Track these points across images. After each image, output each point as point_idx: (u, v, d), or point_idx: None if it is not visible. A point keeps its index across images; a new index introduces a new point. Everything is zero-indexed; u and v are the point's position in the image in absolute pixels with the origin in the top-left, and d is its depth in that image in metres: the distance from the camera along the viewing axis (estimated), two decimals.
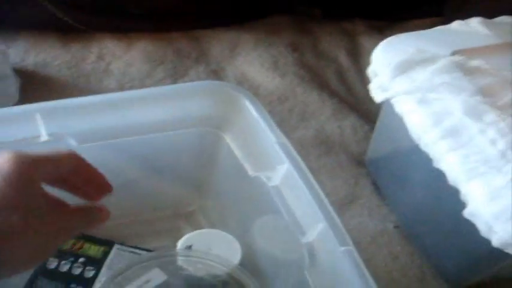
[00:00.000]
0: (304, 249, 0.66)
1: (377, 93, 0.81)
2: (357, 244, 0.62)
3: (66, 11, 1.08)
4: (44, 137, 0.71)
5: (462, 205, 0.69)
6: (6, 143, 0.71)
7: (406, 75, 0.79)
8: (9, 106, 0.91)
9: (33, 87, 1.01)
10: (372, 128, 0.98)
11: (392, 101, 0.79)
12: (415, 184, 0.85)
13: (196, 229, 0.79)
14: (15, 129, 0.71)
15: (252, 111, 0.75)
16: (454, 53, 0.81)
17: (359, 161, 0.98)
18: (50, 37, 1.10)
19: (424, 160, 0.74)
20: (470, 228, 0.68)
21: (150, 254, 0.75)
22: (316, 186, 0.67)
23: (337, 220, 0.64)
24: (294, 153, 0.71)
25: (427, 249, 0.87)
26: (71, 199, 0.60)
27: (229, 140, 0.78)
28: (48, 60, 1.06)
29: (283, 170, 0.70)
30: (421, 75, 0.78)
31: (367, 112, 1.06)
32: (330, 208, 0.65)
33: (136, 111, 0.76)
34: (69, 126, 0.73)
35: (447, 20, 0.90)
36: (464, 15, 0.91)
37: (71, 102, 0.74)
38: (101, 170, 0.78)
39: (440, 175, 0.72)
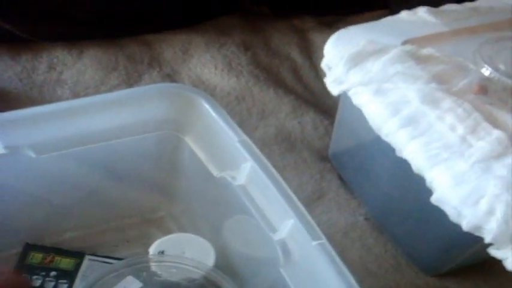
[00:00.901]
0: (277, 246, 0.66)
1: (333, 86, 0.82)
2: (329, 239, 0.62)
3: (13, 22, 1.06)
4: (1, 150, 0.70)
5: (429, 192, 0.70)
6: None
7: (360, 67, 0.80)
8: None
9: None
10: (332, 123, 0.99)
11: (349, 93, 0.80)
12: (380, 175, 0.86)
13: (167, 234, 0.79)
14: None
15: (210, 112, 0.75)
16: (404, 43, 0.82)
17: (323, 156, 0.99)
18: None
19: (386, 150, 0.75)
20: (439, 214, 0.69)
21: (122, 261, 0.73)
22: (282, 182, 0.67)
23: (307, 215, 0.64)
24: (257, 150, 0.71)
25: (399, 239, 0.88)
26: None
27: (190, 142, 0.78)
28: None
29: (247, 169, 0.70)
30: (375, 66, 0.79)
31: (326, 107, 1.07)
32: (299, 203, 0.65)
33: (94, 118, 0.75)
34: (26, 138, 0.72)
35: (394, 12, 0.91)
36: (409, 6, 0.92)
37: (26, 113, 0.73)
38: (64, 180, 0.77)
39: (404, 164, 0.73)
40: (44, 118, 0.73)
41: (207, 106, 0.75)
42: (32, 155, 0.72)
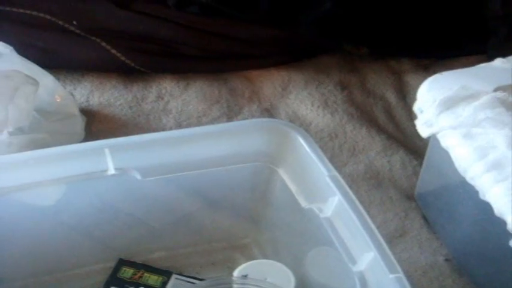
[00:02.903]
0: (356, 277, 0.68)
1: (423, 128, 0.84)
2: (408, 277, 0.64)
3: (128, 55, 1.15)
4: (112, 171, 0.77)
5: (510, 236, 0.71)
6: (76, 177, 0.77)
7: (451, 111, 0.82)
8: (76, 143, 0.98)
9: (97, 125, 1.08)
10: (421, 163, 1.00)
11: (438, 136, 0.82)
12: (464, 217, 0.87)
13: (250, 260, 0.82)
14: (84, 163, 0.77)
15: (304, 146, 0.78)
16: (496, 89, 0.84)
17: (408, 196, 1.01)
18: (112, 78, 1.16)
19: (471, 193, 0.77)
20: None
21: (206, 281, 0.78)
22: (367, 216, 0.70)
23: (387, 249, 0.66)
24: (345, 185, 0.74)
25: (478, 282, 0.88)
26: None
27: (282, 174, 0.82)
28: (111, 100, 1.12)
29: (334, 202, 0.73)
30: (465, 111, 0.81)
31: (416, 147, 1.08)
32: (380, 237, 0.68)
33: (196, 147, 0.80)
34: (134, 161, 0.78)
35: (490, 58, 0.93)
36: (506, 52, 0.94)
37: (137, 139, 0.80)
38: (161, 203, 0.84)
39: (487, 208, 0.74)
40: (151, 144, 0.79)
41: (301, 141, 0.79)
42: (138, 177, 0.78)
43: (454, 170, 0.79)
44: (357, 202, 0.72)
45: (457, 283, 0.88)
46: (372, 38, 1.27)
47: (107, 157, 0.76)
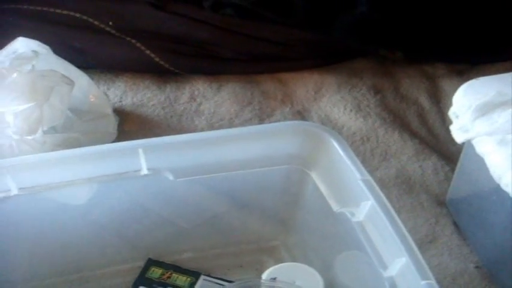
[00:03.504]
0: (386, 283, 0.67)
1: (458, 134, 0.84)
2: (437, 283, 0.63)
3: (162, 55, 1.16)
4: (144, 171, 0.78)
5: None
6: (109, 176, 0.78)
7: (487, 117, 0.81)
8: (108, 142, 1.00)
9: (130, 125, 1.09)
10: (453, 169, 1.00)
11: (473, 142, 0.81)
12: (496, 224, 0.86)
13: (279, 263, 0.82)
14: (118, 163, 0.78)
15: (337, 149, 0.78)
16: None
17: (440, 201, 1.00)
18: (146, 79, 1.18)
19: (504, 200, 0.76)
20: None
21: (235, 283, 0.78)
22: (399, 222, 0.69)
23: (419, 255, 0.66)
24: (378, 190, 0.73)
25: None
26: None
27: (315, 177, 0.82)
28: (144, 101, 1.13)
29: (367, 207, 0.73)
30: (501, 117, 0.80)
31: (448, 153, 1.08)
32: (412, 243, 0.67)
33: (228, 149, 0.81)
34: (167, 162, 0.78)
35: None
36: None
37: (169, 140, 0.80)
38: (191, 204, 0.84)
39: None
40: (184, 145, 0.80)
41: (335, 144, 0.79)
42: (171, 177, 0.79)
43: (488, 177, 0.78)
44: (390, 207, 0.71)
45: None
46: (406, 42, 1.26)
47: (141, 157, 0.77)
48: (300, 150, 0.81)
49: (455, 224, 0.96)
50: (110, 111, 1.04)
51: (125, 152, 0.78)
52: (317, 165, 0.82)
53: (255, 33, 1.19)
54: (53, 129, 0.94)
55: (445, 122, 1.13)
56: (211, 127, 1.10)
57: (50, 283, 0.83)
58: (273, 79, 1.21)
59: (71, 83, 0.94)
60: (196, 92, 1.16)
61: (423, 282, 0.63)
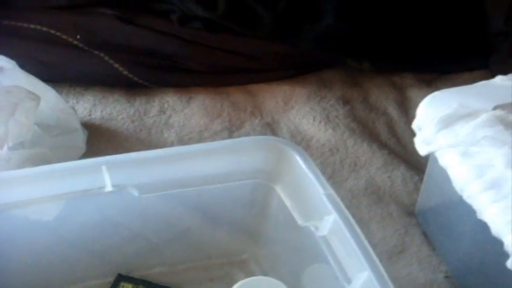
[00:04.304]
0: None
1: (421, 146, 0.84)
2: None
3: (131, 69, 1.16)
4: (109, 187, 0.77)
5: (507, 256, 0.70)
6: (75, 193, 0.77)
7: (450, 129, 0.82)
8: (77, 157, 0.99)
9: (99, 139, 1.08)
10: (422, 179, 1.00)
11: (437, 154, 0.82)
12: (463, 235, 0.87)
13: (249, 276, 0.82)
14: (82, 180, 0.77)
15: (301, 165, 0.79)
16: (496, 108, 0.84)
17: (409, 212, 1.00)
18: (115, 92, 1.17)
19: (469, 212, 0.76)
20: None
21: None
22: (362, 236, 0.70)
23: (381, 269, 0.66)
24: (341, 204, 0.74)
25: None
26: None
27: (280, 191, 0.82)
28: (113, 114, 1.13)
29: (330, 220, 0.73)
30: (464, 129, 0.81)
31: (417, 163, 1.08)
32: (375, 257, 0.68)
33: (194, 164, 0.81)
34: (132, 178, 0.78)
35: (492, 73, 0.93)
36: (509, 68, 0.94)
37: (134, 156, 0.80)
38: (160, 219, 0.84)
39: (485, 226, 0.74)
40: (149, 161, 0.79)
41: (299, 159, 0.79)
42: (135, 193, 0.78)
43: (453, 188, 0.79)
44: (353, 221, 0.72)
45: None
46: (374, 52, 1.27)
47: (104, 174, 0.77)
48: (265, 165, 0.82)
49: (424, 234, 0.97)
50: (78, 125, 1.03)
51: (89, 169, 0.78)
52: (282, 180, 0.82)
53: (223, 46, 1.19)
54: (21, 145, 0.93)
55: (414, 132, 1.13)
56: (181, 140, 1.09)
57: None
58: (243, 91, 1.21)
59: (36, 98, 0.94)
60: (165, 105, 1.16)
61: None
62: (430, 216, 0.97)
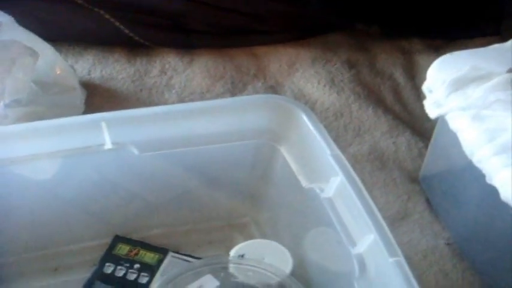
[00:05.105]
0: (354, 260, 0.67)
1: (431, 109, 0.82)
2: (408, 260, 0.62)
3: (132, 28, 1.13)
4: (108, 145, 0.75)
5: None
6: (73, 150, 0.76)
7: (461, 92, 0.80)
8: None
9: (98, 99, 1.06)
10: (427, 146, 0.99)
11: (447, 117, 0.80)
12: (468, 201, 0.86)
13: (249, 239, 0.81)
14: (81, 137, 0.76)
15: (307, 124, 0.77)
16: (509, 71, 0.81)
17: (413, 178, 0.99)
18: (115, 52, 1.15)
19: (477, 177, 0.75)
20: None
21: (202, 260, 0.77)
22: (369, 198, 0.68)
23: (388, 232, 0.65)
24: (348, 165, 0.72)
25: (479, 267, 0.87)
26: None
27: (284, 152, 0.80)
28: (113, 74, 1.11)
29: (336, 182, 0.72)
30: (476, 92, 0.79)
31: (422, 129, 1.07)
32: (381, 220, 0.66)
33: (196, 122, 0.79)
34: (132, 136, 0.76)
35: (504, 39, 0.90)
36: None
37: (134, 113, 0.78)
38: (159, 179, 0.82)
39: (493, 192, 0.72)
40: (150, 119, 0.78)
41: (305, 119, 0.77)
42: (135, 152, 0.76)
43: (461, 153, 0.77)
44: (360, 183, 0.70)
45: (457, 267, 0.87)
46: (383, 16, 1.25)
47: (104, 131, 0.75)
48: (270, 125, 0.80)
49: (427, 200, 0.96)
50: (76, 84, 1.02)
51: (88, 126, 0.76)
52: (287, 140, 0.80)
53: (227, 5, 1.17)
54: (17, 103, 0.92)
55: (420, 98, 1.11)
56: (181, 101, 1.07)
57: (14, 260, 0.80)
58: (247, 53, 1.19)
59: (34, 54, 0.92)
60: (167, 66, 1.14)
61: (391, 259, 0.62)
62: (434, 183, 0.95)
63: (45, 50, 0.98)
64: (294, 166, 0.79)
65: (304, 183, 0.76)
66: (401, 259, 0.62)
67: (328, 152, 0.73)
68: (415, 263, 0.86)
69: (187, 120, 0.79)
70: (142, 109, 0.79)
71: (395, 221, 0.92)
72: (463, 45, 1.21)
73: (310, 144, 0.76)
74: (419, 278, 0.61)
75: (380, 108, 1.10)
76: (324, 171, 0.74)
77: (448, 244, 0.90)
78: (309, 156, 0.77)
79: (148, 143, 0.77)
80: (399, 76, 1.18)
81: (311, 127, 0.76)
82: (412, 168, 1.01)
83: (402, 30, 1.27)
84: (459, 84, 0.81)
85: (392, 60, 1.21)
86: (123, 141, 0.76)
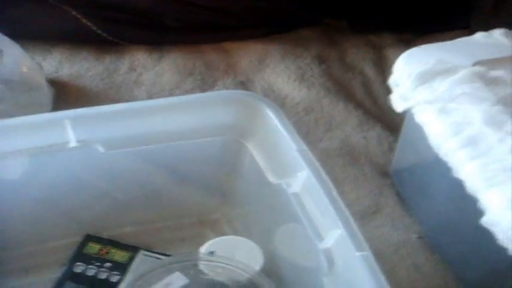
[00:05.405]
0: (322, 255, 0.67)
1: (398, 103, 0.82)
2: (379, 254, 0.63)
3: (100, 25, 1.12)
4: (73, 143, 0.75)
5: (482, 214, 0.69)
6: (38, 149, 0.75)
7: (427, 86, 0.80)
8: None
9: (66, 97, 1.05)
10: (397, 139, 0.99)
11: (413, 111, 0.80)
12: (437, 195, 0.86)
13: (220, 236, 0.81)
14: (45, 135, 0.75)
15: (274, 120, 0.77)
16: (475, 64, 0.82)
17: (384, 172, 0.99)
18: (84, 49, 1.13)
19: (444, 170, 0.75)
20: (491, 237, 0.68)
21: (171, 257, 0.77)
22: (335, 193, 0.68)
23: (355, 226, 0.65)
24: (314, 160, 0.72)
25: (450, 260, 0.87)
26: None
27: (251, 148, 0.80)
28: (82, 72, 1.10)
29: (303, 177, 0.72)
30: (442, 86, 0.79)
31: (393, 124, 1.06)
32: (348, 215, 0.66)
33: (162, 119, 0.79)
34: (97, 133, 0.76)
35: (473, 33, 0.91)
36: (489, 28, 0.92)
37: (99, 110, 0.78)
38: (128, 177, 0.81)
39: (461, 185, 0.72)
40: (116, 116, 0.77)
41: (271, 115, 0.78)
42: (101, 149, 0.76)
43: (429, 146, 0.78)
44: (326, 178, 0.70)
45: (429, 261, 0.88)
46: (353, 11, 1.24)
47: (68, 129, 0.74)
48: (237, 121, 0.80)
49: (398, 194, 0.96)
50: (43, 82, 1.00)
51: (52, 124, 0.75)
52: (254, 136, 0.80)
53: (197, 1, 1.16)
54: None
55: (390, 92, 1.11)
56: (151, 98, 1.06)
57: None
58: (216, 49, 1.18)
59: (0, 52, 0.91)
60: (136, 63, 1.13)
61: (358, 253, 0.62)
62: (404, 176, 0.96)
63: (11, 48, 0.97)
64: (261, 162, 0.79)
65: (272, 178, 0.76)
66: (369, 253, 0.62)
67: (294, 147, 0.73)
68: (387, 257, 0.86)
69: (154, 116, 0.78)
70: (107, 106, 0.78)
71: (367, 215, 0.92)
72: (433, 39, 1.20)
73: (276, 140, 0.76)
74: (391, 273, 0.62)
75: (350, 103, 1.10)
76: (290, 167, 0.74)
77: (419, 238, 0.90)
78: (276, 152, 0.77)
79: (114, 140, 0.76)
80: (369, 71, 1.18)
81: (277, 123, 0.76)
82: (383, 162, 1.01)
83: (371, 25, 1.27)
84: (425, 77, 0.81)
85: (363, 54, 1.21)
86: (88, 138, 0.75)
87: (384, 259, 0.63)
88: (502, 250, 0.67)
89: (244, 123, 0.80)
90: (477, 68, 0.81)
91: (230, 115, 0.80)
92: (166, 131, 0.78)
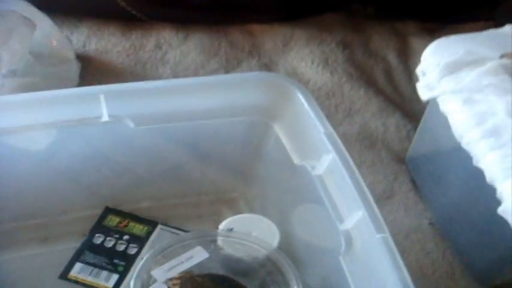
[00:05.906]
0: (341, 236, 0.68)
1: (424, 91, 0.83)
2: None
3: (129, 1, 1.12)
4: (105, 117, 0.76)
5: (497, 204, 0.70)
6: (70, 121, 0.76)
7: (454, 76, 0.81)
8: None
9: (92, 72, 1.06)
10: (415, 127, 1.00)
11: (438, 100, 0.81)
12: (453, 182, 0.87)
13: (237, 214, 0.82)
14: (78, 109, 0.76)
15: (302, 102, 0.77)
16: (502, 56, 0.82)
17: (400, 159, 1.00)
18: (111, 25, 1.14)
19: (464, 159, 0.76)
20: (503, 227, 0.69)
21: (192, 233, 0.78)
22: (359, 176, 0.69)
23: (376, 209, 0.66)
24: (340, 144, 0.73)
25: (459, 247, 0.88)
26: None
27: (277, 129, 0.81)
28: (108, 47, 1.11)
29: (328, 160, 0.73)
30: (469, 76, 0.80)
31: (412, 111, 1.08)
32: (370, 197, 0.67)
33: (190, 98, 0.79)
34: (128, 109, 0.77)
35: (498, 24, 0.91)
36: None
37: (131, 86, 0.79)
38: (151, 153, 0.83)
39: (478, 174, 0.73)
40: (146, 93, 0.78)
41: (300, 96, 0.78)
42: (131, 125, 0.77)
43: (450, 136, 0.79)
44: (351, 161, 0.71)
45: (439, 247, 0.89)
46: None
47: (102, 103, 0.75)
48: (264, 102, 0.80)
49: (412, 181, 0.97)
50: (72, 56, 1.01)
51: (86, 98, 0.76)
52: (281, 118, 0.81)
53: None
54: (13, 73, 0.92)
55: (412, 80, 1.12)
56: (175, 76, 1.08)
57: (4, 229, 0.81)
58: (242, 30, 1.19)
59: (32, 25, 0.92)
60: (162, 41, 1.14)
61: (378, 235, 0.63)
62: (420, 164, 0.97)
63: (42, 21, 0.98)
64: (286, 143, 0.79)
65: (296, 160, 0.77)
66: (388, 235, 0.63)
67: (321, 130, 0.74)
68: (398, 242, 0.85)
69: (183, 95, 0.79)
70: (139, 83, 0.79)
71: (381, 200, 0.93)
72: (457, 29, 1.21)
73: (303, 122, 0.77)
74: (400, 256, 0.63)
75: (371, 89, 1.10)
76: (316, 149, 0.74)
77: (430, 224, 0.92)
78: (302, 134, 0.77)
79: (143, 117, 0.77)
80: (392, 58, 1.18)
81: (305, 105, 0.77)
82: (400, 149, 1.02)
83: (397, 12, 1.27)
84: (453, 68, 0.82)
85: (386, 42, 1.22)
86: (119, 114, 0.76)
87: (395, 243, 0.63)
88: None
89: (271, 104, 0.80)
90: (504, 61, 0.82)
91: (258, 96, 0.80)
92: (194, 110, 0.79)
